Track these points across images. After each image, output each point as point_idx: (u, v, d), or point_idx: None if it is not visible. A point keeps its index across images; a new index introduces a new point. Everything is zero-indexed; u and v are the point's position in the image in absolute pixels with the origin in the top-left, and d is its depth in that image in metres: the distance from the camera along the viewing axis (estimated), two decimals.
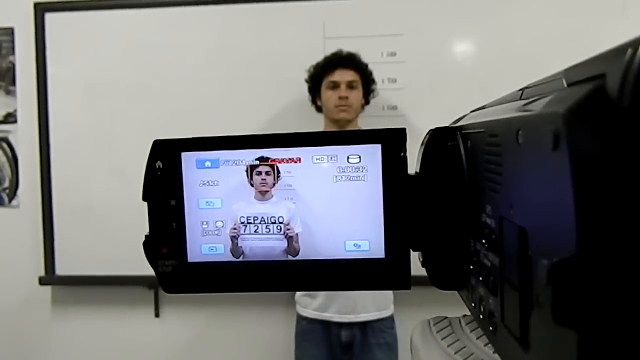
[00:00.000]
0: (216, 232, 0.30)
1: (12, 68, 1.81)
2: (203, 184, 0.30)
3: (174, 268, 0.30)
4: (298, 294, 1.46)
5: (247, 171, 0.29)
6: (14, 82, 1.81)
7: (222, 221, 0.30)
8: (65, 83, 1.75)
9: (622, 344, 0.13)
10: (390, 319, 1.41)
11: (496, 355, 0.24)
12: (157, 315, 1.79)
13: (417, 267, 0.30)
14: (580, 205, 0.13)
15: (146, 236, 0.30)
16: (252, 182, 0.30)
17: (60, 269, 1.76)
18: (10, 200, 1.83)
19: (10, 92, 1.82)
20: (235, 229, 0.30)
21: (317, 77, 1.44)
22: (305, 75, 1.47)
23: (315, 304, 1.39)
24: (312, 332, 1.40)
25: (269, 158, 0.29)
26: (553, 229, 0.15)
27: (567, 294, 0.13)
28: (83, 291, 1.80)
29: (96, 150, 1.73)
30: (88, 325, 1.82)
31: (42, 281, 1.77)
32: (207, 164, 0.30)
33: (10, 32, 1.80)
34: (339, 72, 1.39)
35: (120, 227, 1.70)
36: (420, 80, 1.62)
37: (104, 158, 1.73)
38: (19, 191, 1.82)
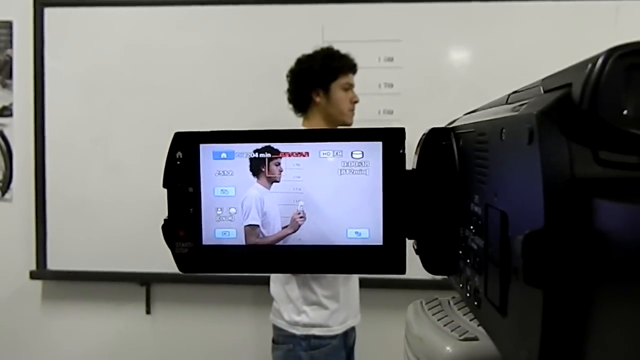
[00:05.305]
0: (229, 218, 0.33)
1: (9, 61, 1.81)
2: (219, 174, 0.32)
3: (189, 250, 0.32)
4: (319, 319, 1.30)
5: (264, 163, 0.32)
6: (10, 76, 1.81)
7: (235, 208, 0.33)
8: (63, 78, 1.76)
9: (579, 300, 0.16)
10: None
11: (480, 328, 0.27)
12: (148, 312, 1.80)
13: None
14: (547, 186, 0.16)
15: (165, 220, 0.32)
16: (262, 173, 0.32)
17: (52, 264, 1.77)
18: (3, 193, 1.83)
19: (6, 86, 1.82)
20: (302, 217, 0.32)
21: (331, 72, 1.30)
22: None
23: (340, 318, 1.31)
24: (341, 347, 1.33)
25: (279, 151, 0.32)
26: (527, 210, 0.18)
27: (535, 259, 0.16)
28: (74, 286, 1.80)
29: (92, 146, 1.74)
30: (78, 320, 1.83)
31: (33, 275, 1.77)
32: (223, 155, 0.32)
33: (8, 25, 1.80)
34: (352, 76, 1.34)
35: (113, 223, 1.71)
36: (417, 86, 1.66)
37: (100, 154, 1.74)
38: (12, 185, 1.82)
